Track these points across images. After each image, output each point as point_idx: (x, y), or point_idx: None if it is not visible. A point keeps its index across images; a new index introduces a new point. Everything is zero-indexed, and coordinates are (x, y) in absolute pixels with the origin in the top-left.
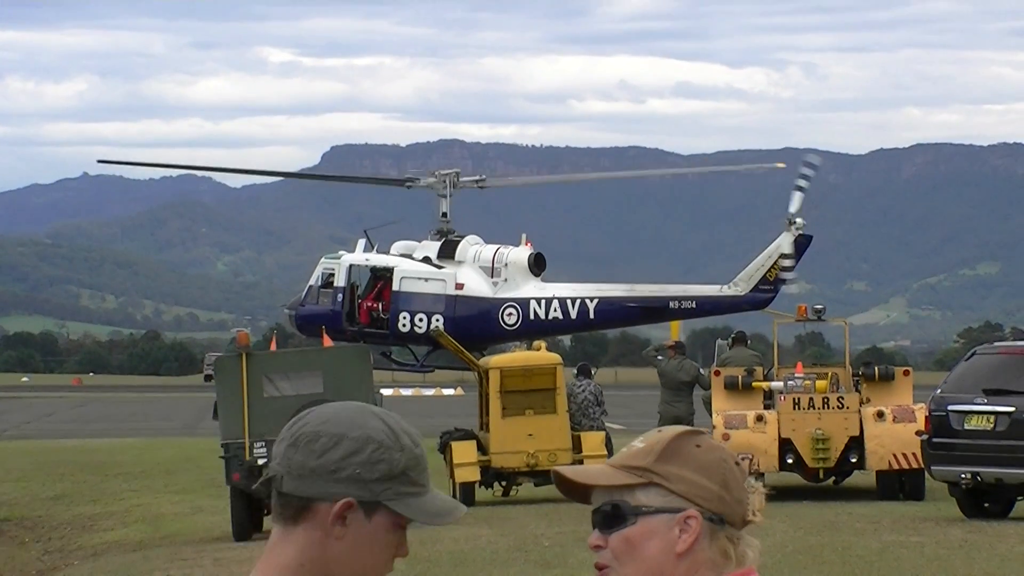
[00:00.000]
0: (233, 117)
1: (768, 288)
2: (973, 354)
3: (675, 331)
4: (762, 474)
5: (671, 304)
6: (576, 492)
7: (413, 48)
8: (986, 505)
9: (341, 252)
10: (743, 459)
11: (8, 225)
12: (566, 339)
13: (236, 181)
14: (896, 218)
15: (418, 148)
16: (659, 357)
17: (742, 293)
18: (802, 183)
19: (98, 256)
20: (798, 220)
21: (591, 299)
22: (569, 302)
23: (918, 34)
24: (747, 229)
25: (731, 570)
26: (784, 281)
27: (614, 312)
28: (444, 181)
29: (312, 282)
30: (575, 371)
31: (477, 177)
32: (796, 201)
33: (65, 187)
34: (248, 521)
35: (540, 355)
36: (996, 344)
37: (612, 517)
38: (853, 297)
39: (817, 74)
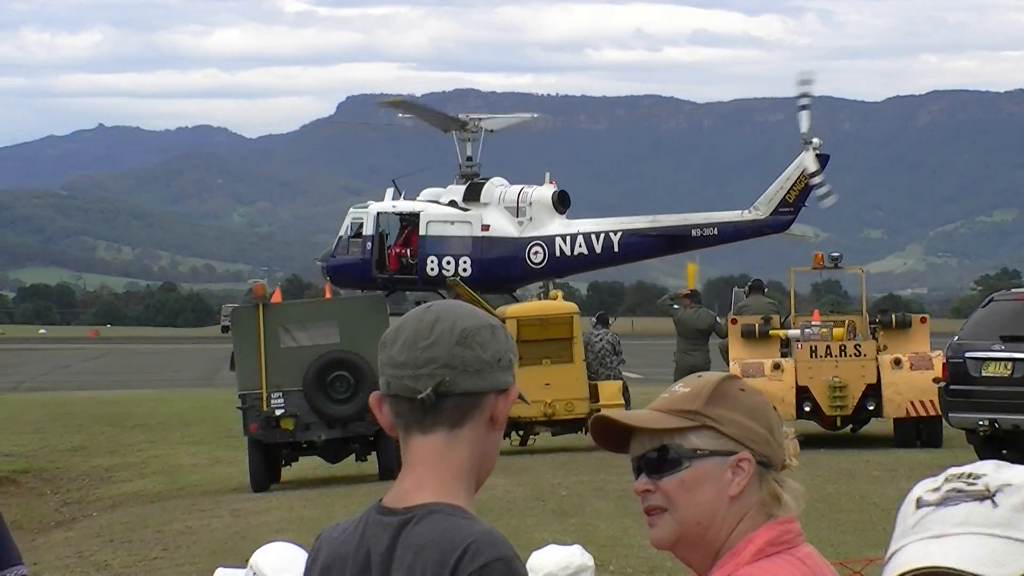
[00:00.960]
0: (248, 68)
1: (788, 210)
2: (990, 301)
3: (691, 279)
4: (794, 430)
5: (693, 232)
6: (613, 441)
7: None
8: (1004, 452)
9: (369, 201)
10: None
11: (24, 177)
12: (583, 288)
13: (251, 131)
14: (912, 165)
15: (433, 98)
16: (675, 306)
17: (763, 216)
18: (805, 101)
19: (114, 208)
20: (814, 140)
21: (615, 232)
22: (594, 236)
23: None
24: (762, 179)
25: (780, 513)
26: (804, 204)
27: (639, 244)
28: (476, 124)
29: (342, 233)
30: (593, 320)
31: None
32: (805, 120)
33: (80, 139)
34: (265, 472)
35: (557, 304)
36: (1013, 291)
37: (663, 461)
38: (869, 245)
39: (834, 21)
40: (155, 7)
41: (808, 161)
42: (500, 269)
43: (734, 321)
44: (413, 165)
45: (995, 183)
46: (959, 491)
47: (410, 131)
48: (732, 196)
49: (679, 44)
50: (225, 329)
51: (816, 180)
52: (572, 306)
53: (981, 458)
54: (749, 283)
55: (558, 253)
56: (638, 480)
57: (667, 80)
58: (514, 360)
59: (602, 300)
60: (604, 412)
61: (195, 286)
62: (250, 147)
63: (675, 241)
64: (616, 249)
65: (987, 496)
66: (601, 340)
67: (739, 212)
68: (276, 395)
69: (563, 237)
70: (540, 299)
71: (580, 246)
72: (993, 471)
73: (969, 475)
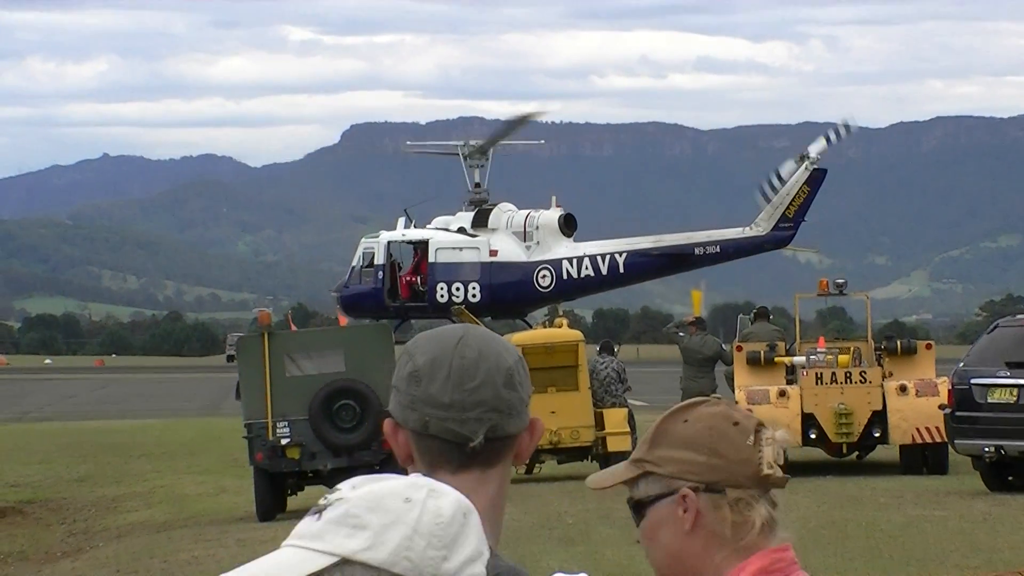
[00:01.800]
0: (253, 96)
1: (788, 225)
2: (995, 327)
3: (697, 307)
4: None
5: (696, 251)
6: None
7: (434, 25)
8: (1010, 478)
9: (381, 231)
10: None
11: (29, 206)
12: (588, 315)
13: (256, 160)
14: (917, 191)
15: (438, 125)
16: (680, 333)
17: (763, 232)
18: (832, 136)
19: (119, 237)
20: (812, 155)
21: (620, 253)
22: (599, 258)
23: (940, 5)
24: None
25: (747, 537)
26: (804, 219)
27: (643, 264)
28: (480, 149)
29: (355, 263)
30: (598, 348)
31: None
32: (819, 144)
33: (86, 168)
34: (272, 501)
35: (562, 332)
36: (1018, 316)
37: (633, 512)
38: (874, 271)
39: (839, 47)
40: (161, 36)
41: (787, 172)
42: (509, 293)
43: (740, 348)
44: (419, 191)
45: (1000, 208)
46: (319, 506)
47: (415, 158)
48: (738, 221)
49: (684, 71)
50: (231, 358)
51: (777, 183)
52: (577, 334)
53: (987, 485)
54: (754, 310)
55: (565, 276)
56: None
57: (672, 107)
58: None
59: (607, 327)
60: (588, 478)
61: (200, 315)
62: (255, 175)
63: (679, 259)
64: (622, 270)
65: (320, 510)
66: (606, 367)
67: (740, 229)
68: (282, 424)
69: (570, 260)
70: (545, 326)
71: (587, 268)
72: (349, 486)
73: (336, 489)
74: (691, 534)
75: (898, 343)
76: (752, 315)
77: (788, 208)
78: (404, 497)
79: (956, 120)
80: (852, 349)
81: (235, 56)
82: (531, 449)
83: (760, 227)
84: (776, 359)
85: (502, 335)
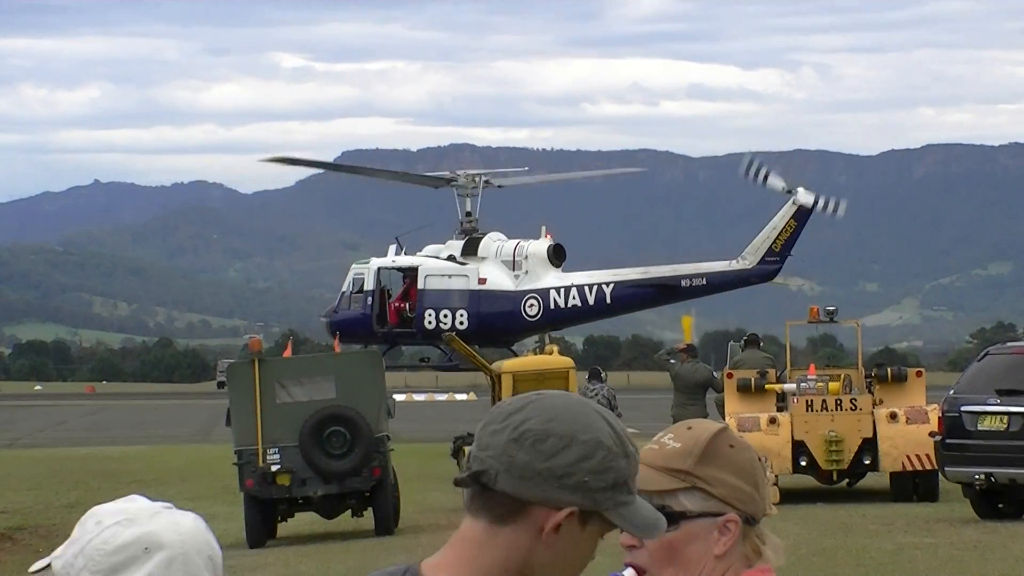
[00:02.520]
0: (246, 123)
1: (775, 259)
2: (985, 354)
3: (688, 334)
4: (776, 476)
5: (683, 283)
6: None
7: (425, 52)
8: (1000, 506)
9: (371, 258)
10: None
11: (20, 233)
12: (579, 342)
13: (247, 187)
14: (907, 219)
15: (429, 152)
16: (671, 360)
17: (750, 266)
18: (757, 172)
19: (110, 263)
20: (799, 189)
21: (607, 284)
22: (587, 288)
23: (932, 34)
24: (758, 231)
25: (759, 564)
26: (790, 253)
27: (630, 295)
28: (474, 180)
29: (344, 288)
30: (587, 375)
31: (484, 176)
32: (778, 183)
33: (77, 194)
34: (262, 528)
35: (553, 359)
36: (1009, 344)
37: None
38: (865, 298)
39: (830, 75)
40: (153, 63)
41: (804, 199)
42: (496, 322)
43: (730, 375)
44: (411, 219)
45: (990, 236)
46: None
47: (406, 185)
48: (729, 249)
49: (676, 98)
50: (221, 384)
51: (806, 199)
52: (568, 360)
53: (977, 513)
54: (745, 337)
55: (552, 305)
56: (624, 534)
57: (663, 134)
58: (595, 485)
59: (598, 354)
60: None
61: (191, 341)
62: (246, 201)
63: (666, 291)
64: (609, 300)
65: None
66: (596, 395)
67: (727, 262)
68: (272, 451)
69: (557, 290)
70: (536, 353)
71: (574, 298)
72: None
73: None
74: (720, 558)
75: (888, 370)
76: (743, 342)
77: (775, 242)
78: (98, 520)
79: (947, 148)
80: (843, 376)
81: (227, 83)
82: (549, 531)
83: (747, 260)
84: (767, 386)
85: (491, 362)
